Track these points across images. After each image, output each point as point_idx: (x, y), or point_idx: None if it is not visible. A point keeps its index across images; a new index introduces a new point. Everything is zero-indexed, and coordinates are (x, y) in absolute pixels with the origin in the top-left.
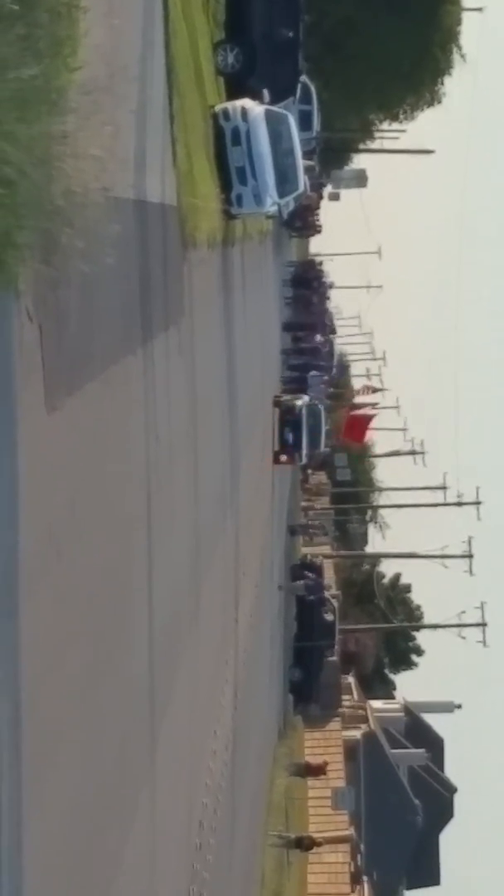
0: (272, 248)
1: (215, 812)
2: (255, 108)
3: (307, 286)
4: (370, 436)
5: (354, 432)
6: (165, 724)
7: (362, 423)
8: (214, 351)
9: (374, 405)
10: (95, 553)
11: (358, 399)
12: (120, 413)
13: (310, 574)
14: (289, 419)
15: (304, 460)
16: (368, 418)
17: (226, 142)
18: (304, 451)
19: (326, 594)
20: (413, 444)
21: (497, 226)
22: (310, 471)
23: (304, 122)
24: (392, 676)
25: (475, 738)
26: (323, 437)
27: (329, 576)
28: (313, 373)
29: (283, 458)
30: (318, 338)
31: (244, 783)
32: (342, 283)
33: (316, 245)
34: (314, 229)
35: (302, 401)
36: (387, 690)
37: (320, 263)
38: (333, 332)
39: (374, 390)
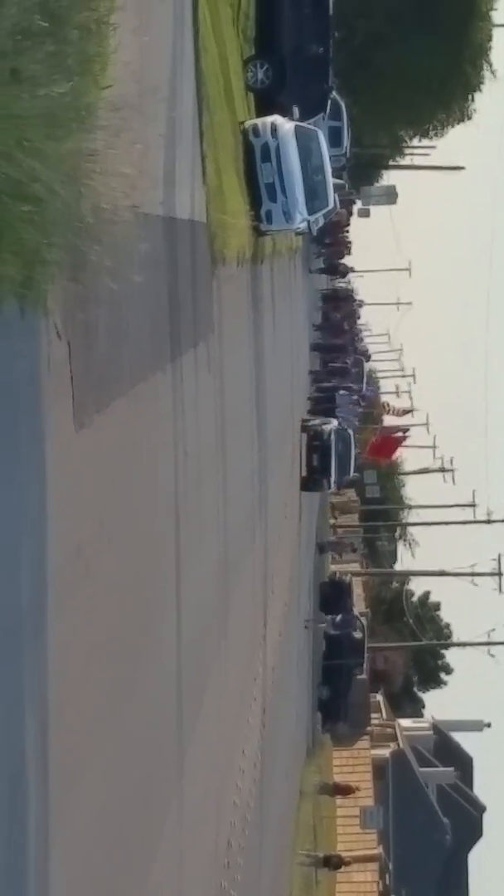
0: (301, 264)
1: (243, 831)
2: (285, 125)
3: (336, 301)
4: (398, 453)
5: (382, 451)
6: (193, 742)
7: (392, 444)
8: (243, 368)
9: (405, 428)
10: (124, 569)
11: (388, 420)
12: (149, 429)
13: (337, 617)
14: (317, 445)
15: (333, 487)
16: (399, 440)
17: (255, 158)
18: (333, 478)
19: (356, 623)
20: (442, 461)
21: None
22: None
23: (334, 138)
24: (421, 695)
25: None
26: (352, 463)
27: (358, 593)
28: (342, 392)
29: (311, 486)
30: (349, 358)
31: (272, 802)
32: (372, 300)
33: (346, 262)
34: (346, 269)
35: (330, 426)
36: (416, 709)
37: (350, 291)
38: (367, 356)
39: (404, 412)
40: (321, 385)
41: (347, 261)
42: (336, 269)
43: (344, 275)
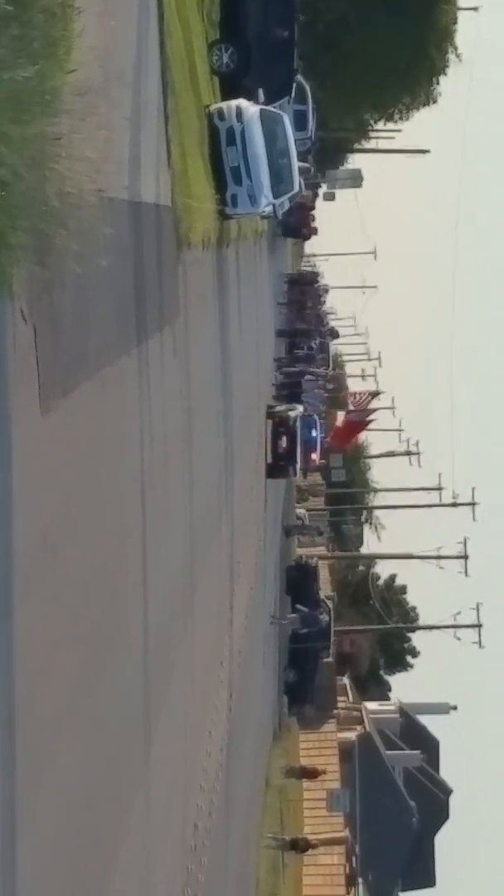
0: (267, 248)
1: (210, 814)
2: (250, 108)
3: (301, 286)
4: (358, 438)
5: (344, 436)
6: (160, 726)
7: (354, 428)
8: (209, 351)
9: (371, 411)
10: (90, 554)
11: (355, 405)
12: (115, 413)
13: (303, 608)
14: (283, 431)
15: (299, 474)
16: (362, 425)
17: (221, 142)
18: (299, 465)
19: (323, 618)
20: (408, 444)
21: (492, 225)
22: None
23: (300, 121)
24: (387, 678)
25: (471, 739)
26: (318, 450)
27: (324, 576)
28: (308, 377)
29: (277, 472)
30: (314, 343)
31: (239, 785)
32: (337, 284)
33: (311, 246)
34: (309, 231)
35: (296, 412)
36: (382, 692)
37: (315, 274)
38: (334, 334)
39: (373, 395)
40: (286, 370)
41: (312, 241)
42: (299, 232)
43: (307, 238)
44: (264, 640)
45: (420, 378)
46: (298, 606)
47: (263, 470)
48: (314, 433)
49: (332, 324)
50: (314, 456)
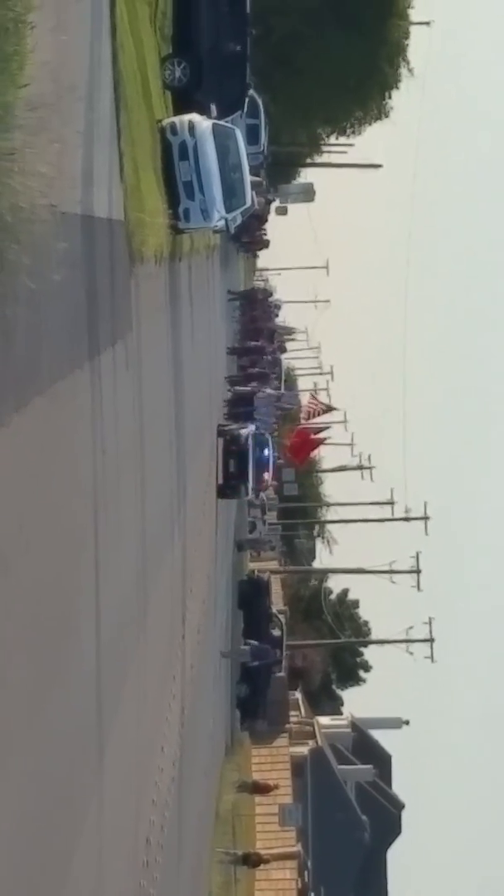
0: (220, 262)
1: (162, 829)
2: (203, 123)
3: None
4: (314, 454)
5: (299, 452)
6: (112, 741)
7: (309, 444)
8: (162, 366)
9: (324, 427)
10: (42, 569)
11: (307, 419)
12: (67, 428)
13: (253, 642)
14: (234, 449)
15: (250, 494)
16: (318, 441)
17: (173, 156)
18: (251, 485)
19: (275, 653)
20: (360, 458)
21: (444, 240)
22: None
23: (252, 136)
24: (339, 692)
25: (423, 754)
26: (271, 469)
27: (276, 591)
28: (260, 393)
29: (228, 493)
30: (267, 357)
31: (191, 800)
32: (289, 298)
33: (263, 260)
34: (261, 244)
35: (248, 430)
36: (334, 706)
37: (267, 293)
38: (283, 348)
39: (327, 409)
40: (238, 389)
41: (265, 255)
42: (252, 234)
43: (260, 242)
44: (217, 655)
45: (372, 392)
46: (249, 641)
47: (215, 486)
48: (266, 452)
49: (284, 339)
50: (266, 476)
